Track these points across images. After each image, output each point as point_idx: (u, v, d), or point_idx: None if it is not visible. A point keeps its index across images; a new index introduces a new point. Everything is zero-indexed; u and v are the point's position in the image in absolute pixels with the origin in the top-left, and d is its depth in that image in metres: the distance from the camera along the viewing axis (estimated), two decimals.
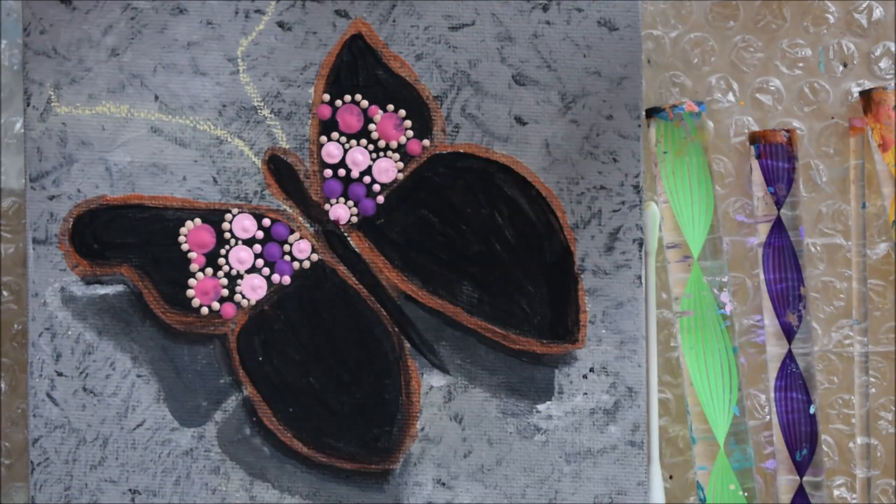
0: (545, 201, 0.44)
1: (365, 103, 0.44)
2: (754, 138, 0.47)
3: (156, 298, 0.44)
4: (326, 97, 0.44)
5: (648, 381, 0.45)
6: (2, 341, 0.48)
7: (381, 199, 0.44)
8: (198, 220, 0.44)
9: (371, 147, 0.44)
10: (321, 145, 0.44)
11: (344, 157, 0.44)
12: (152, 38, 0.44)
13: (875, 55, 0.48)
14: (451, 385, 0.44)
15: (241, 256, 0.44)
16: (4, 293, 0.48)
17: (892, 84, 0.48)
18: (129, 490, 0.44)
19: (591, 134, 0.44)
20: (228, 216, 0.44)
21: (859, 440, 0.47)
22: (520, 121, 0.44)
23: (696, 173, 0.46)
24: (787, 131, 0.47)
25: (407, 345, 0.44)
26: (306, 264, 0.44)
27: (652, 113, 0.47)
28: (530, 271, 0.44)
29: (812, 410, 0.47)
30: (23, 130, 0.44)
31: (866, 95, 0.47)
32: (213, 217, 0.44)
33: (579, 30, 0.44)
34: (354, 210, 0.44)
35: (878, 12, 0.48)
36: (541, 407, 0.44)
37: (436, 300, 0.44)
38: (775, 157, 0.47)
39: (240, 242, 0.44)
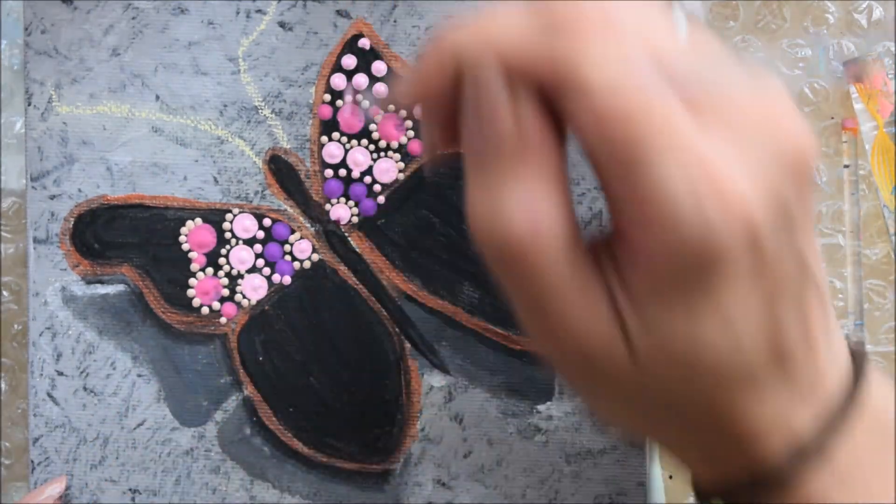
0: None
1: (366, 103, 0.44)
2: None
3: (156, 298, 0.44)
4: (327, 97, 0.44)
5: None
6: (2, 341, 0.48)
7: (381, 199, 0.44)
8: (198, 220, 0.44)
9: (372, 147, 0.44)
10: (322, 145, 0.44)
11: (345, 158, 0.44)
12: (153, 38, 0.44)
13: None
14: (452, 385, 0.44)
15: (241, 256, 0.44)
16: (4, 293, 0.48)
17: (883, 52, 0.48)
18: (130, 489, 0.44)
19: None
20: (229, 216, 0.44)
21: None
22: None
23: None
24: None
25: (407, 345, 0.44)
26: (307, 264, 0.44)
27: None
28: None
29: None
30: (23, 130, 0.44)
31: (859, 63, 0.47)
32: (214, 217, 0.44)
33: None
34: (355, 210, 0.44)
35: (878, 12, 0.48)
36: (541, 407, 0.44)
37: (436, 300, 0.44)
38: None
39: (240, 242, 0.44)
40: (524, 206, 0.28)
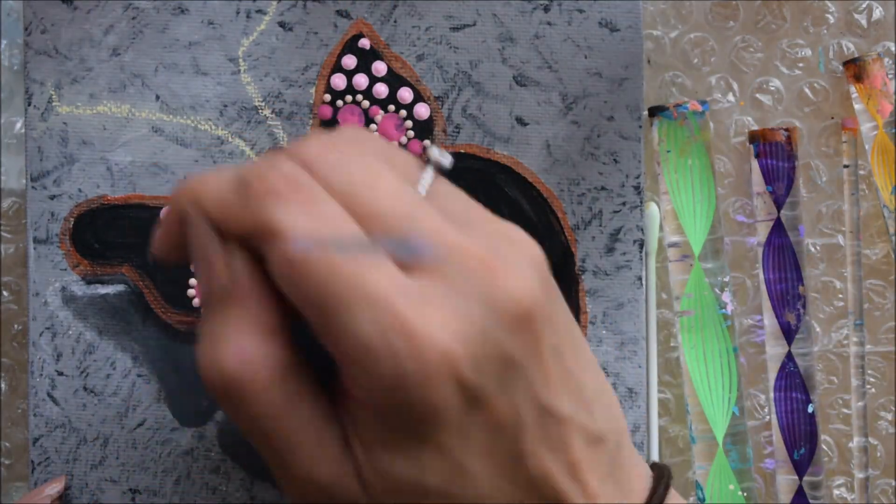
0: (546, 202, 0.44)
1: (366, 104, 0.44)
2: (754, 137, 0.47)
3: (156, 298, 0.44)
4: (328, 97, 0.44)
5: (648, 381, 0.45)
6: (2, 341, 0.48)
7: None
8: None
9: None
10: None
11: None
12: (153, 38, 0.44)
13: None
14: None
15: None
16: (4, 293, 0.48)
17: (883, 52, 0.48)
18: (130, 489, 0.44)
19: (591, 135, 0.44)
20: None
21: (856, 441, 0.47)
22: (521, 121, 0.44)
23: (698, 173, 0.46)
24: (787, 130, 0.47)
25: None
26: None
27: (655, 112, 0.47)
28: None
29: (811, 409, 0.47)
30: (23, 130, 0.44)
31: (859, 63, 0.47)
32: None
33: (580, 31, 0.44)
34: None
35: (878, 12, 0.48)
36: None
37: None
38: (774, 156, 0.47)
39: None
40: (233, 347, 0.29)
